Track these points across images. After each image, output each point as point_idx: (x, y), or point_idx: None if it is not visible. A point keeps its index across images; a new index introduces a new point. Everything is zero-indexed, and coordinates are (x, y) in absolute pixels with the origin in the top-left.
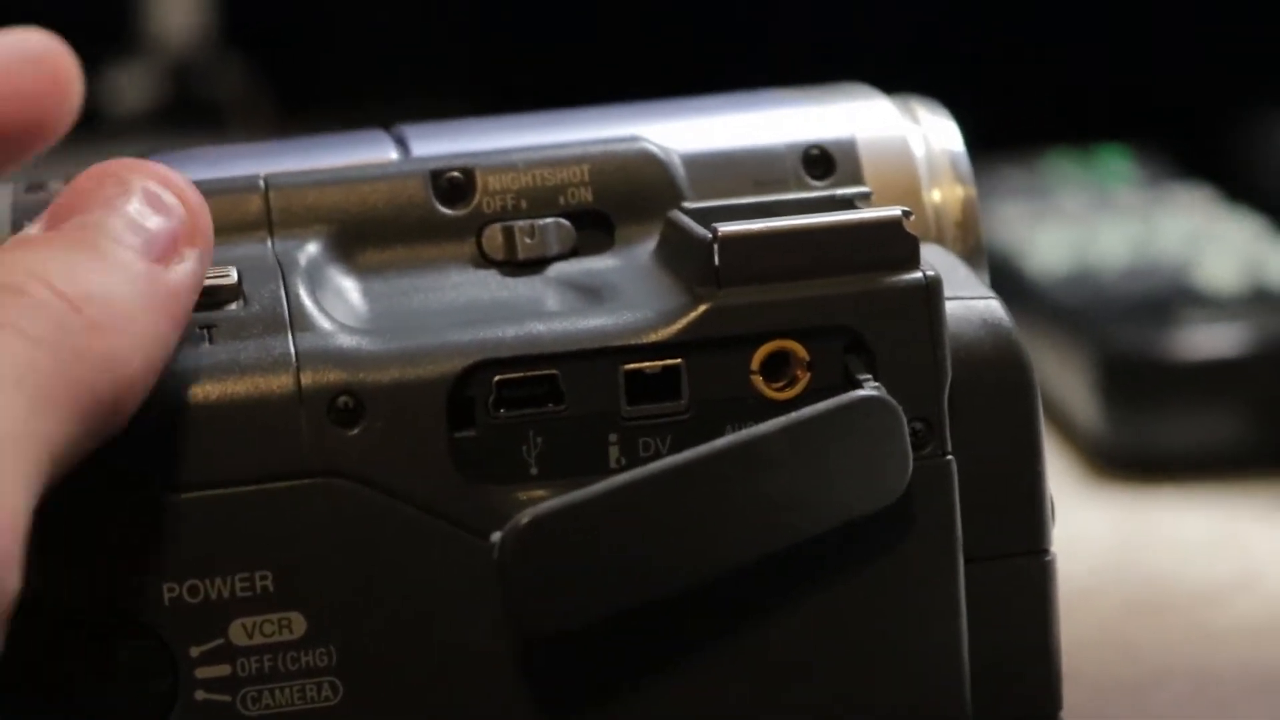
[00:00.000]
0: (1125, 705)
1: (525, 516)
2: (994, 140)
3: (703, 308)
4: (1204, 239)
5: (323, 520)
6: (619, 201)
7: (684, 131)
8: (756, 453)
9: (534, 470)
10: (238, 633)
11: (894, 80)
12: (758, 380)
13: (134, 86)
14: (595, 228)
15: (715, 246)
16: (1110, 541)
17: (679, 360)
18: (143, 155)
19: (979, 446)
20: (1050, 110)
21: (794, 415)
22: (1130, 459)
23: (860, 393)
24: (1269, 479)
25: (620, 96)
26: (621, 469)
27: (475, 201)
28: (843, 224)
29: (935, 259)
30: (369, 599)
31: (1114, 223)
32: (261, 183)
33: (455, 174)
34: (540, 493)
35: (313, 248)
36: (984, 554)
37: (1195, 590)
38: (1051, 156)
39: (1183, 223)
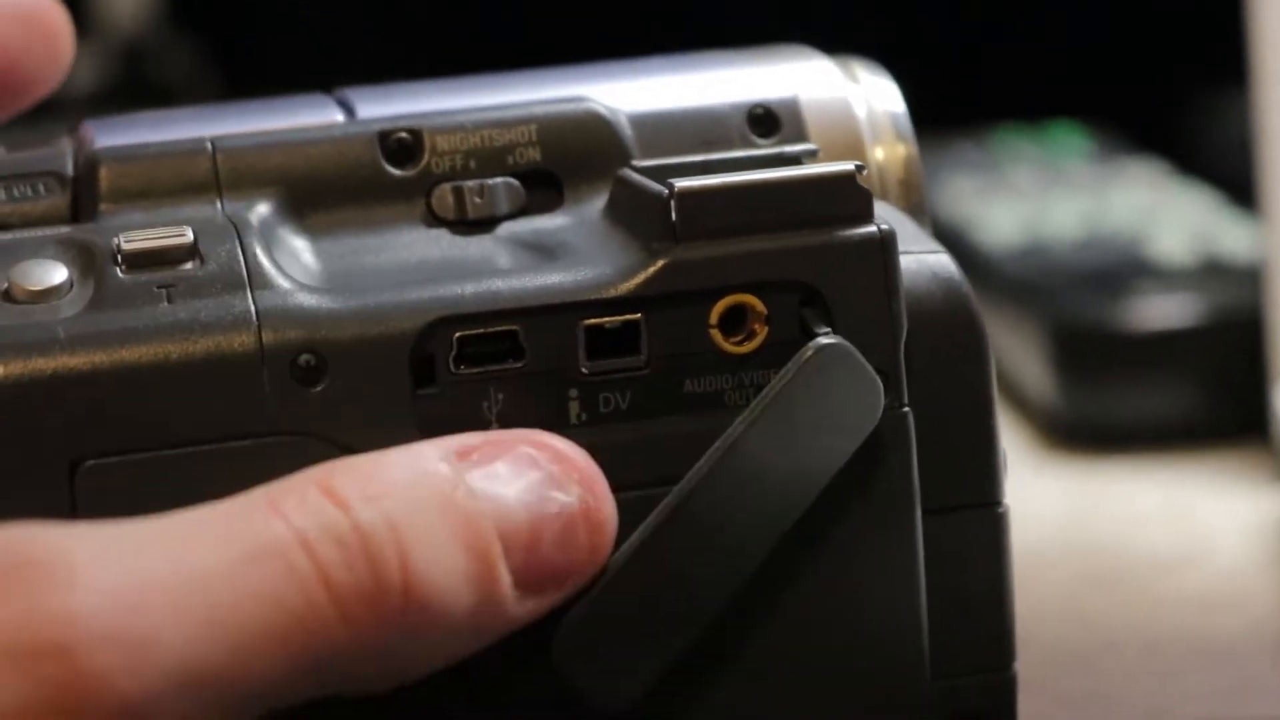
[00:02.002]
0: (1075, 673)
1: (574, 618)
2: (947, 116)
3: (661, 262)
4: (1156, 212)
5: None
6: (567, 161)
7: (629, 92)
8: (747, 452)
9: (495, 426)
10: None
11: (844, 54)
12: (716, 335)
13: (83, 68)
14: (544, 187)
15: (673, 202)
16: (1062, 512)
17: (638, 315)
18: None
19: (932, 399)
20: (1003, 86)
21: (764, 399)
22: (1082, 431)
23: (816, 344)
24: (1219, 450)
25: (565, 60)
26: (582, 424)
27: (424, 162)
28: (798, 179)
29: (884, 215)
30: None
31: (1066, 197)
32: (209, 145)
33: (403, 134)
34: None
35: (263, 209)
36: (938, 506)
37: (1145, 560)
38: (1003, 132)
39: (1135, 196)
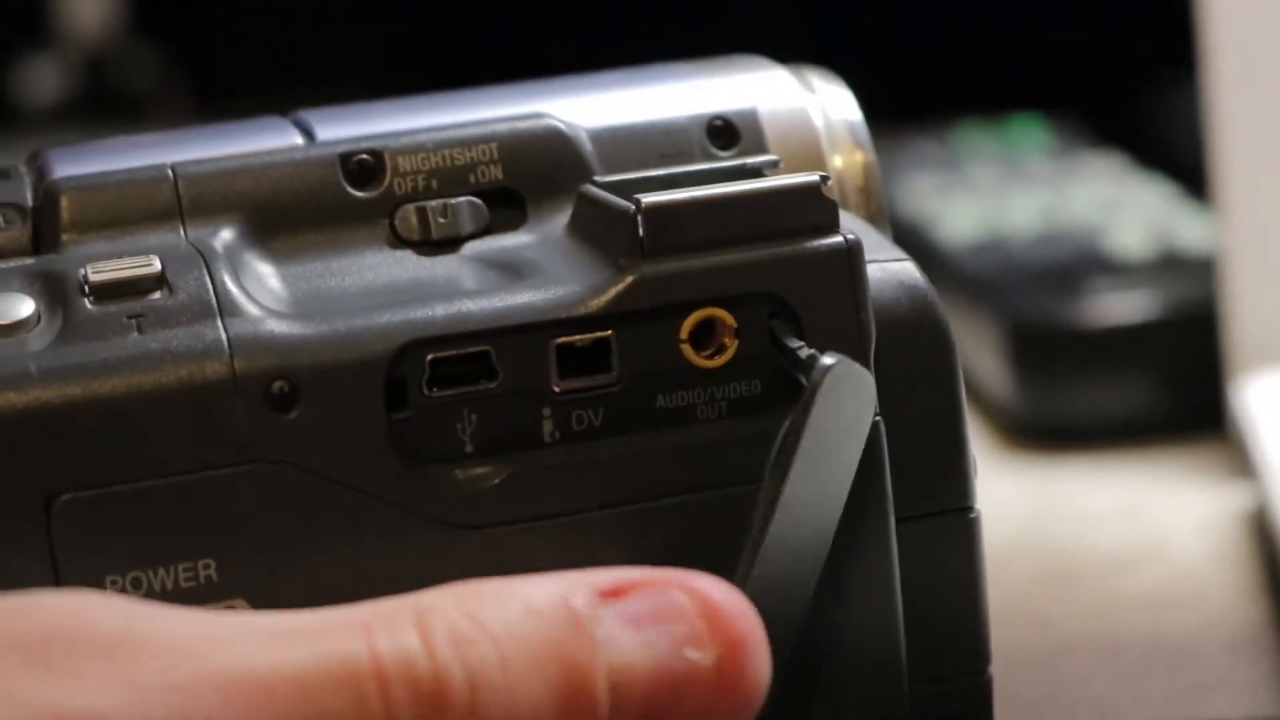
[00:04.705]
0: (1034, 674)
1: None
2: (905, 111)
3: (630, 279)
4: (1114, 206)
5: (264, 507)
6: (529, 178)
7: (587, 107)
8: (793, 502)
9: (469, 448)
10: None
11: (800, 54)
12: (687, 349)
13: (48, 79)
14: (507, 205)
15: (639, 218)
16: (1019, 511)
17: (609, 332)
18: (53, 145)
19: (902, 407)
20: (961, 80)
21: (789, 442)
22: (1039, 428)
23: (822, 367)
24: (1176, 445)
25: (522, 75)
26: (555, 443)
27: (386, 183)
28: (763, 191)
29: (848, 224)
30: (313, 584)
31: (1025, 191)
32: (170, 171)
33: (364, 156)
34: (479, 470)
35: (227, 234)
36: (910, 513)
37: (1103, 559)
38: (962, 127)
39: (1093, 190)
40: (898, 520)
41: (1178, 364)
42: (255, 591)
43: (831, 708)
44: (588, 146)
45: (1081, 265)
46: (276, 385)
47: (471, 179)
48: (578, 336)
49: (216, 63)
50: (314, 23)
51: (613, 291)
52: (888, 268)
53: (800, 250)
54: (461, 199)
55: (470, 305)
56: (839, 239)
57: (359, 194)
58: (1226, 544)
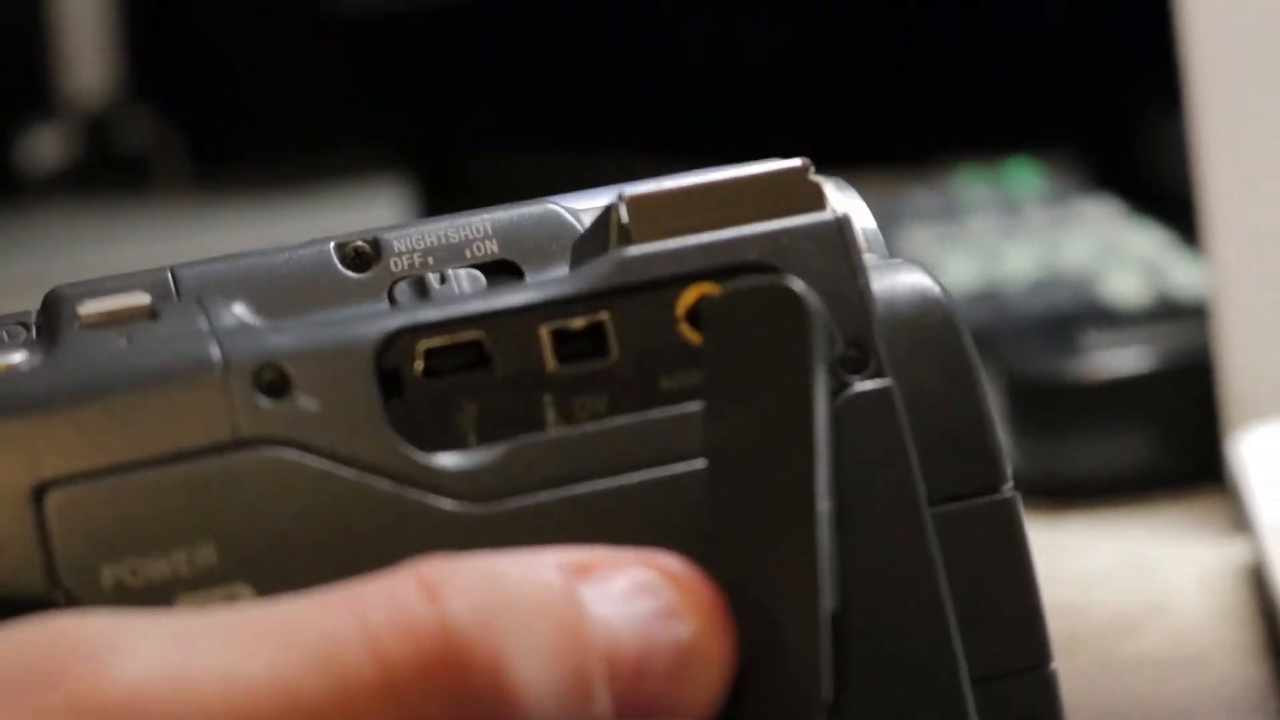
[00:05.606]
0: None
1: None
2: (900, 153)
3: (616, 258)
4: (1109, 252)
5: (263, 489)
6: (525, 250)
7: (593, 199)
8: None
9: (471, 438)
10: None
11: (801, 100)
12: (685, 328)
13: (50, 145)
14: (504, 274)
15: (622, 206)
16: None
17: (603, 314)
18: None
19: (918, 392)
20: (957, 123)
21: (820, 438)
22: (1038, 485)
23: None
24: (1176, 499)
25: (517, 144)
26: (560, 426)
27: (382, 264)
28: (747, 176)
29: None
30: (315, 562)
31: (1021, 240)
32: (168, 272)
33: (360, 244)
34: (482, 451)
35: (225, 301)
36: (941, 497)
37: (1104, 619)
38: (960, 173)
39: (1088, 237)
40: (930, 504)
41: (1176, 416)
42: (258, 574)
43: (890, 710)
44: (587, 221)
45: (1077, 315)
46: (266, 372)
47: (467, 254)
48: (571, 320)
49: (215, 127)
50: (311, 89)
51: (600, 271)
52: (884, 261)
53: (790, 223)
54: (460, 269)
55: (460, 301)
56: (827, 214)
57: (356, 275)
58: (1227, 600)
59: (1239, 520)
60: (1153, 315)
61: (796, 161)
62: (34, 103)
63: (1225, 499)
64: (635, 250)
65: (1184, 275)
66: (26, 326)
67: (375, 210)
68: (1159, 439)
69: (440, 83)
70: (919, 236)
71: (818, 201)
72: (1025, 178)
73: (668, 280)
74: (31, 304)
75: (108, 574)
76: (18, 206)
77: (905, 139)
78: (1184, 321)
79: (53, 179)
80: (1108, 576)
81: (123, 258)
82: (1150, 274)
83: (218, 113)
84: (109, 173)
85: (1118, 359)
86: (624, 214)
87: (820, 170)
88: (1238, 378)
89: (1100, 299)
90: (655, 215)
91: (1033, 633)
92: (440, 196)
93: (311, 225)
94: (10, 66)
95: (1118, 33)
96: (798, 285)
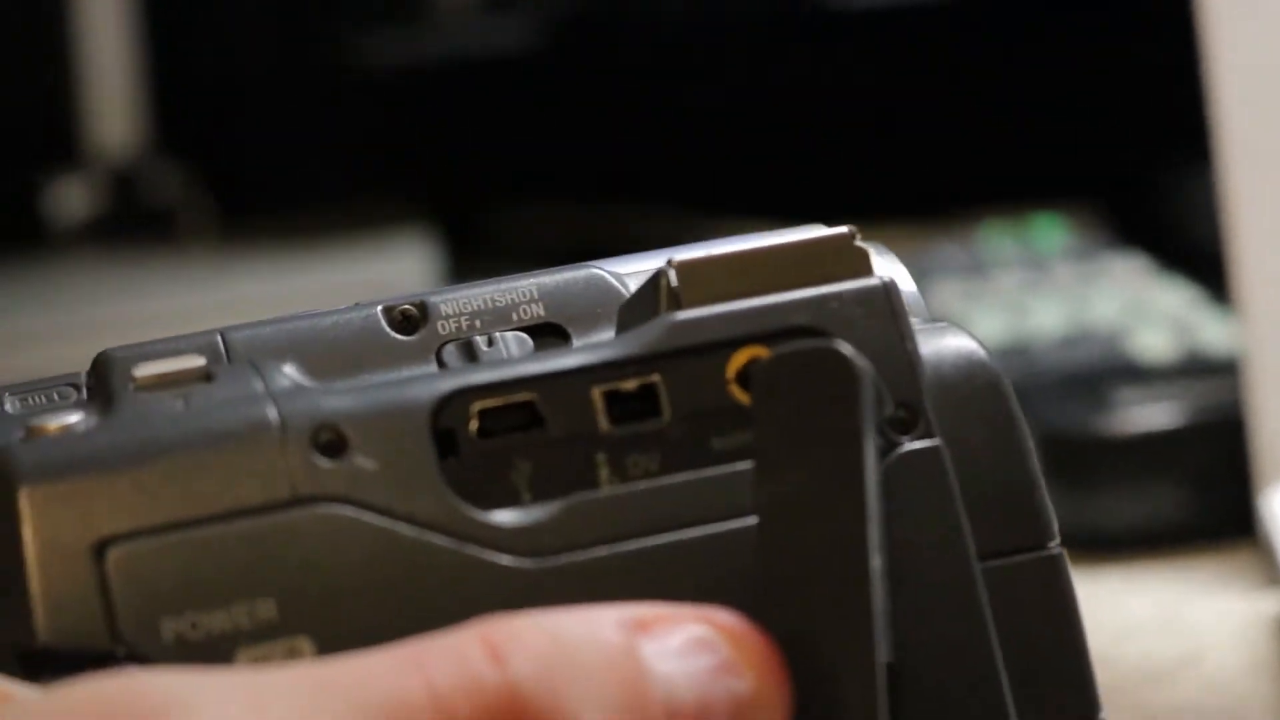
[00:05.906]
0: None
1: None
2: (928, 209)
3: (667, 322)
4: (1137, 308)
5: (322, 545)
6: (571, 314)
7: (637, 263)
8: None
9: (526, 495)
10: (245, 663)
11: (827, 154)
12: (735, 390)
13: (76, 197)
14: (551, 337)
15: (671, 272)
16: None
17: (655, 376)
18: (90, 269)
19: (966, 451)
20: (983, 177)
21: (871, 495)
22: (1070, 538)
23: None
24: (1209, 553)
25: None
26: (613, 485)
27: (430, 326)
28: (795, 242)
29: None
30: (375, 616)
31: (1048, 295)
32: (218, 335)
33: (407, 307)
34: (538, 508)
35: (277, 363)
36: (990, 553)
37: (1138, 670)
38: (986, 228)
39: (1116, 292)
40: (980, 559)
41: (1207, 470)
42: (318, 628)
43: None
44: (633, 286)
45: (1107, 370)
46: (323, 433)
47: (514, 317)
48: (623, 382)
49: (241, 180)
50: (336, 142)
51: (651, 335)
52: (928, 325)
53: (837, 289)
54: (506, 331)
55: (514, 363)
56: (874, 280)
57: (403, 338)
58: (1260, 652)
59: (1271, 574)
60: (1182, 371)
61: (843, 229)
62: (60, 155)
63: (1257, 553)
64: (686, 314)
65: (1212, 331)
66: (77, 388)
67: (400, 263)
68: (1190, 493)
69: (465, 136)
70: (946, 291)
71: (864, 267)
72: (1051, 233)
73: (719, 344)
74: (58, 354)
75: (168, 628)
76: (44, 258)
77: (931, 194)
78: (1213, 377)
79: (79, 231)
80: (1141, 628)
81: (148, 310)
82: (1179, 330)
83: (243, 165)
84: (134, 225)
85: (1148, 414)
86: (674, 278)
87: (846, 223)
88: (1269, 433)
89: (1129, 355)
90: (704, 280)
91: (1082, 685)
92: (464, 249)
93: (337, 277)
94: (37, 118)
95: (1143, 87)
96: (846, 348)
